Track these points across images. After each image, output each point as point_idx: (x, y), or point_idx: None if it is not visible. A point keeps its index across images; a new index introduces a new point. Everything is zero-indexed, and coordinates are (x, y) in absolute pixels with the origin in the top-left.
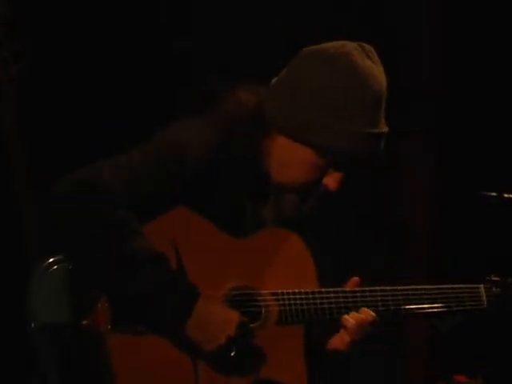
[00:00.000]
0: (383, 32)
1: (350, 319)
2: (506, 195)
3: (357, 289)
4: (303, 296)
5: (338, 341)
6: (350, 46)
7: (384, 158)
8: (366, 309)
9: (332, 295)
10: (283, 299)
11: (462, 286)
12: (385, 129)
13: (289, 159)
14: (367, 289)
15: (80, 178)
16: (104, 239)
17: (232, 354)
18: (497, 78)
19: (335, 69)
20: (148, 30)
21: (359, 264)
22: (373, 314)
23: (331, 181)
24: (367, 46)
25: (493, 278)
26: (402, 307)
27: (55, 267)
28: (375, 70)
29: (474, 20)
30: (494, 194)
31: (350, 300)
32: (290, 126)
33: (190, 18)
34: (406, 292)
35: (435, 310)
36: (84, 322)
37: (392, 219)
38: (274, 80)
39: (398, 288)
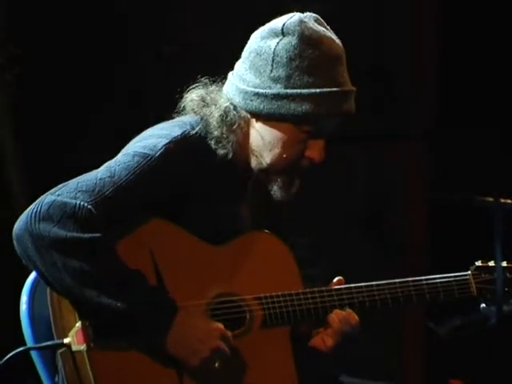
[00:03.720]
0: (380, 36)
1: (336, 319)
2: (502, 200)
3: (342, 286)
4: (287, 298)
5: (319, 340)
6: (299, 15)
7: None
8: (350, 310)
9: (317, 295)
10: (267, 303)
11: (449, 275)
12: (351, 88)
13: (268, 141)
14: (352, 285)
15: (55, 200)
16: (77, 259)
17: (216, 366)
18: (495, 80)
19: (292, 38)
20: (139, 35)
21: (356, 272)
22: (356, 317)
23: (314, 152)
24: (314, 15)
25: (480, 265)
26: (389, 301)
27: None
28: (328, 33)
29: (471, 18)
30: (490, 199)
31: (336, 298)
32: (261, 105)
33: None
34: (392, 285)
35: (424, 301)
36: (65, 341)
37: (388, 225)
38: (233, 71)
39: (384, 282)
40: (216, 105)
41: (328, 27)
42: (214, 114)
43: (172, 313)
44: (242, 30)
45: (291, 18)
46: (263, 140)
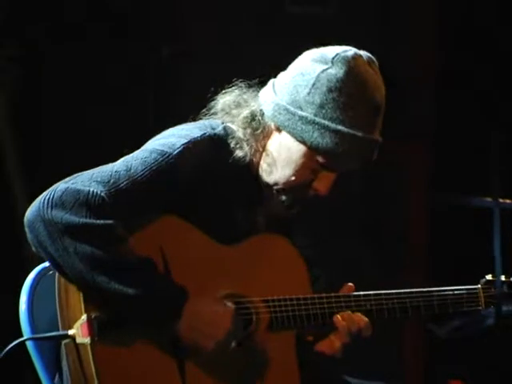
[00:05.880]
0: (380, 36)
1: (342, 321)
2: (501, 200)
3: (350, 293)
4: (294, 302)
5: (327, 345)
6: (354, 51)
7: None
8: (359, 314)
9: (324, 300)
10: (274, 306)
11: (459, 287)
12: (379, 138)
13: (283, 157)
14: (361, 293)
15: (68, 188)
16: (89, 245)
17: (232, 347)
18: (496, 80)
19: (338, 70)
20: (139, 35)
21: (357, 273)
22: (365, 319)
23: (322, 185)
24: (370, 55)
25: (490, 279)
26: (398, 311)
27: (50, 272)
28: (376, 78)
29: (472, 17)
30: (489, 198)
31: (343, 305)
32: (286, 122)
33: (181, 24)
34: (400, 296)
35: (432, 313)
36: (70, 333)
37: (388, 225)
38: (275, 79)
39: (393, 292)
40: (247, 106)
41: (378, 71)
42: (241, 115)
43: (183, 299)
44: (242, 31)
45: (346, 51)
46: (280, 154)
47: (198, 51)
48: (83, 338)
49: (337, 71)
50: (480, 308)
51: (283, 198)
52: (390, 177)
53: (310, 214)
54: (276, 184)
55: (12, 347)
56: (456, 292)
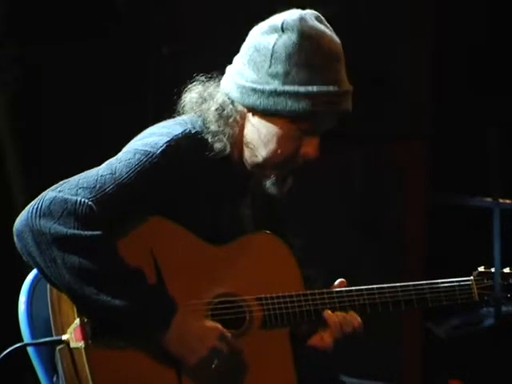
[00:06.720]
0: (379, 37)
1: (334, 316)
2: (501, 200)
3: (342, 289)
4: (287, 299)
5: (317, 338)
6: (299, 12)
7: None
8: (353, 312)
9: (317, 297)
10: (267, 303)
11: (451, 280)
12: (350, 87)
13: (264, 135)
14: (353, 288)
15: (56, 197)
16: (77, 256)
17: (214, 366)
18: (495, 80)
19: (291, 35)
20: (139, 35)
21: (355, 273)
22: (359, 319)
23: (309, 148)
24: (314, 12)
25: (483, 270)
26: (390, 305)
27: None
28: (326, 30)
29: (470, 17)
30: (489, 198)
31: (336, 300)
32: (257, 101)
33: (181, 23)
34: (393, 289)
35: (425, 306)
36: (64, 337)
37: (388, 225)
38: (232, 65)
39: (385, 286)
40: (213, 99)
41: (328, 25)
42: (211, 108)
43: (171, 311)
44: (243, 31)
45: (291, 15)
46: (259, 134)
47: (198, 51)
48: (77, 343)
49: (290, 36)
50: (473, 300)
51: (274, 175)
52: (389, 177)
53: (310, 213)
54: (265, 162)
55: (7, 353)
56: (448, 284)
